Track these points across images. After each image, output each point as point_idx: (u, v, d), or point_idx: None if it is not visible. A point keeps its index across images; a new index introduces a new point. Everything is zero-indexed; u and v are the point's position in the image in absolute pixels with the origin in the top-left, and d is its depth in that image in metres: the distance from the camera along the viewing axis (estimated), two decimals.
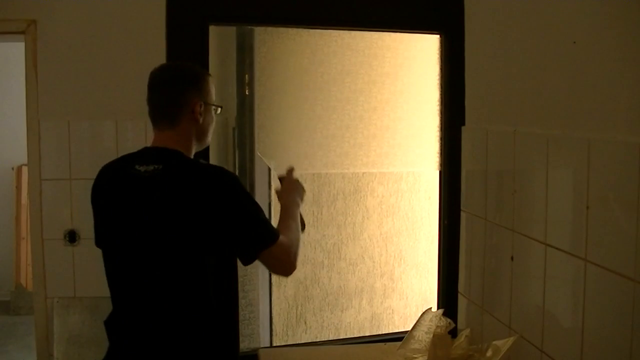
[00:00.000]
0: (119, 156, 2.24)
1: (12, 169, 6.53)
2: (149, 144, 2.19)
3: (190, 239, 2.00)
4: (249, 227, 2.05)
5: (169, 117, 2.14)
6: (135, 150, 2.19)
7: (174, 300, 2.03)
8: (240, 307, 2.91)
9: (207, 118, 2.21)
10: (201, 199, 1.99)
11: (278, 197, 2.45)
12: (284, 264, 2.14)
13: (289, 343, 3.32)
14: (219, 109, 2.29)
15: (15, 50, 3.61)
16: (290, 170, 2.51)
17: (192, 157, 2.18)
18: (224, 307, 2.12)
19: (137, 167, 2.07)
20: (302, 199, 2.46)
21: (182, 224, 1.99)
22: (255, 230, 2.06)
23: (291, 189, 2.45)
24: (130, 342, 2.08)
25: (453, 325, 2.66)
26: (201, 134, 2.21)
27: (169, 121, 2.14)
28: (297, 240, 2.24)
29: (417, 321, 2.70)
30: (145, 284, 2.05)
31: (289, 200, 2.40)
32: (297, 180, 2.50)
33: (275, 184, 2.52)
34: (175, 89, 2.16)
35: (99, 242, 2.19)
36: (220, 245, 2.04)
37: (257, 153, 3.01)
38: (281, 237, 2.11)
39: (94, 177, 2.73)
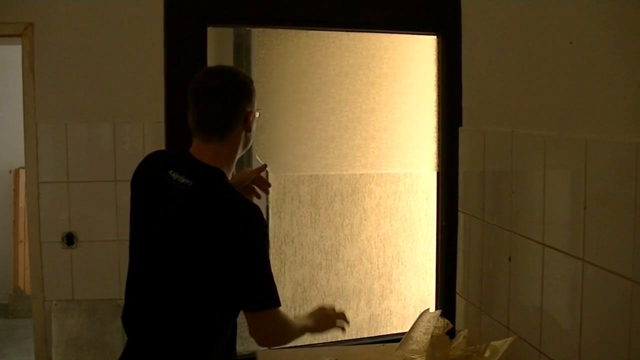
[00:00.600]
0: (163, 150, 2.22)
1: (10, 172, 6.51)
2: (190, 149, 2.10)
3: (199, 264, 1.94)
4: (255, 281, 1.96)
5: (221, 129, 2.03)
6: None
7: (181, 306, 2.00)
8: None
9: (254, 124, 2.13)
10: (219, 232, 1.91)
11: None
12: (269, 333, 2.04)
13: (286, 345, 3.32)
14: (259, 113, 2.21)
15: (12, 53, 3.61)
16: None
17: (234, 163, 2.13)
18: (229, 314, 2.08)
19: (170, 172, 2.01)
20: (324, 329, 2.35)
21: (194, 246, 1.94)
22: (259, 287, 1.97)
23: (323, 318, 2.34)
24: (141, 339, 2.07)
25: (451, 326, 2.67)
26: (247, 141, 2.14)
27: (219, 133, 2.03)
28: (296, 334, 2.16)
29: (415, 322, 2.70)
30: (158, 287, 2.03)
31: (317, 322, 2.30)
32: (331, 313, 2.38)
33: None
34: (231, 99, 2.03)
35: (129, 241, 2.16)
36: (223, 283, 1.96)
37: (256, 156, 3.01)
38: (281, 310, 2.01)
39: (92, 179, 2.75)
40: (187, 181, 1.97)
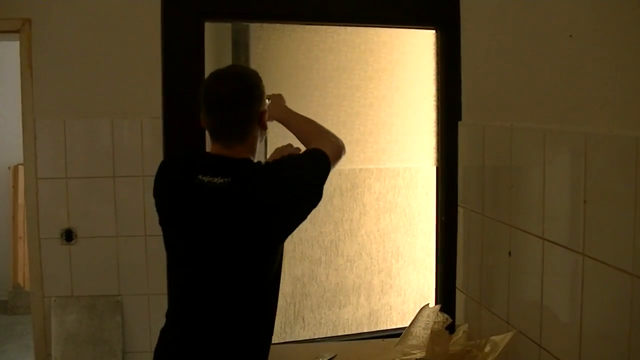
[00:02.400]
0: (179, 155, 2.21)
1: (8, 168, 6.51)
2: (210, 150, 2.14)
3: (264, 244, 2.03)
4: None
5: (240, 134, 2.07)
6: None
7: (236, 304, 2.05)
8: None
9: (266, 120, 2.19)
10: (276, 199, 2.00)
11: (271, 115, 2.41)
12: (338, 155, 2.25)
13: (286, 340, 3.32)
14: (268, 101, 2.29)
15: (10, 49, 3.60)
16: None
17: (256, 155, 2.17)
18: (272, 311, 2.14)
19: (200, 177, 2.01)
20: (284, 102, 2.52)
21: (254, 234, 2.00)
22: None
23: (276, 102, 2.48)
24: (197, 329, 2.07)
25: (451, 320, 2.66)
26: (262, 137, 2.20)
27: (240, 137, 2.07)
28: (322, 127, 2.36)
29: (415, 317, 2.70)
30: (213, 289, 2.05)
31: (279, 109, 2.46)
32: (274, 96, 2.51)
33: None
34: (247, 104, 2.05)
35: (166, 245, 2.16)
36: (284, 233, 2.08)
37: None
38: (323, 144, 2.19)
39: (90, 175, 2.75)
40: (224, 180, 1.99)
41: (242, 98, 2.04)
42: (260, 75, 2.15)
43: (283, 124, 2.44)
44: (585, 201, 1.89)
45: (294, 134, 2.40)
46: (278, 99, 2.52)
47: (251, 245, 2.01)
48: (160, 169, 2.17)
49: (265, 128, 2.15)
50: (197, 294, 2.07)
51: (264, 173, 2.04)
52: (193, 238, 2.05)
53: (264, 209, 1.98)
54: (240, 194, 1.98)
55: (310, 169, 2.10)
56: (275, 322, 2.16)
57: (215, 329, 2.04)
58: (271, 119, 2.39)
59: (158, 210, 2.13)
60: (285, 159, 2.13)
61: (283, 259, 2.14)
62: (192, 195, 2.02)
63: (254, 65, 2.99)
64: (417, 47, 3.12)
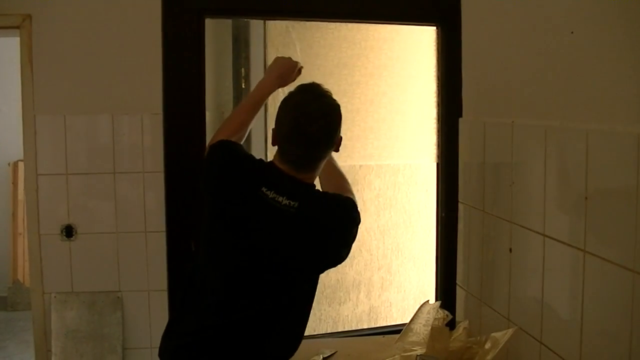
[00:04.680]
0: (244, 152, 2.18)
1: (8, 164, 6.51)
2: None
3: (312, 272, 2.12)
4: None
5: (318, 164, 2.12)
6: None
7: (273, 323, 2.10)
8: None
9: None
10: (328, 237, 2.07)
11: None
12: None
13: None
14: None
15: (10, 45, 3.59)
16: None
17: None
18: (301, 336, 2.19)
19: (264, 189, 2.01)
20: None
21: (312, 259, 2.07)
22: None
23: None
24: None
25: (451, 317, 2.67)
26: None
27: (315, 167, 2.11)
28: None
29: (415, 314, 2.70)
30: (254, 302, 2.07)
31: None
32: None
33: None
34: (331, 143, 2.10)
35: (205, 237, 2.16)
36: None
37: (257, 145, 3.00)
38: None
39: (90, 171, 2.75)
40: (291, 202, 2.00)
41: (330, 136, 2.08)
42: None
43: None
44: (586, 198, 1.88)
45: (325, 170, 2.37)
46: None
47: (298, 270, 2.07)
48: (227, 160, 2.13)
49: (337, 151, 2.18)
50: (230, 296, 2.07)
51: (327, 203, 2.09)
52: (242, 247, 2.05)
53: (320, 240, 2.05)
54: (304, 221, 2.02)
55: (357, 221, 2.14)
56: None
57: (234, 336, 2.06)
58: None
59: (211, 201, 2.13)
60: (340, 198, 2.16)
61: None
62: (255, 206, 2.02)
63: (254, 62, 2.99)
64: (418, 43, 3.12)
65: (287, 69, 2.44)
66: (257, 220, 2.02)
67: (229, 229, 2.07)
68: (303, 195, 2.03)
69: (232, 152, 2.15)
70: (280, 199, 2.00)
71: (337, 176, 2.36)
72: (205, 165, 2.19)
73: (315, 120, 2.02)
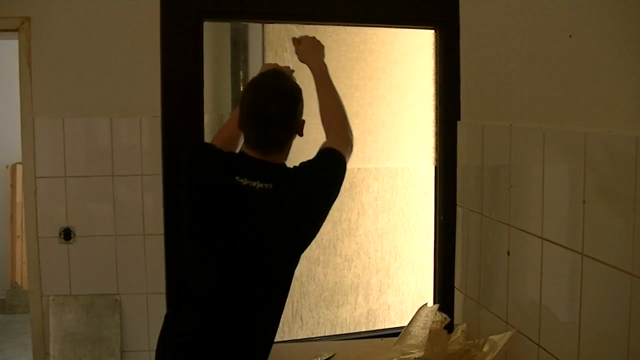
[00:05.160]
0: (213, 148, 2.20)
1: (7, 167, 6.50)
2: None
3: (297, 249, 2.12)
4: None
5: (282, 146, 2.14)
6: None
7: (258, 305, 2.10)
8: None
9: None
10: (311, 210, 2.09)
11: (300, 58, 2.50)
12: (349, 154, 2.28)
13: (285, 339, 3.32)
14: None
15: (9, 48, 3.59)
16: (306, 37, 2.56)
17: None
18: (281, 312, 2.19)
19: (237, 178, 2.03)
20: (324, 57, 2.52)
21: (292, 239, 2.08)
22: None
23: (315, 47, 2.51)
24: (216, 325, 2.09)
25: (449, 320, 2.67)
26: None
27: (280, 149, 2.13)
28: (343, 109, 2.38)
29: (413, 317, 2.70)
30: (240, 286, 2.08)
31: (319, 61, 2.48)
32: (315, 38, 2.54)
33: (290, 46, 2.56)
34: (292, 122, 2.12)
35: (188, 235, 2.17)
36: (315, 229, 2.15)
37: None
38: (338, 141, 2.23)
39: (89, 174, 2.75)
40: (266, 185, 2.02)
41: (289, 117, 2.10)
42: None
43: (314, 79, 2.46)
44: (584, 201, 1.89)
45: (318, 96, 2.41)
46: (316, 45, 2.53)
47: (286, 249, 2.09)
48: (198, 159, 2.16)
49: (301, 135, 2.18)
50: (223, 289, 2.08)
51: (301, 181, 2.09)
52: (227, 237, 2.06)
53: (303, 216, 2.06)
54: (282, 201, 2.03)
55: (337, 176, 2.16)
56: None
57: (234, 328, 2.07)
58: (306, 62, 2.49)
59: (188, 199, 2.15)
60: (315, 165, 2.15)
61: None
62: (231, 196, 2.04)
63: (252, 65, 2.99)
64: (417, 46, 3.12)
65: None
66: (236, 210, 2.04)
67: (212, 224, 2.08)
68: (276, 175, 2.05)
69: (201, 151, 2.20)
70: (254, 183, 2.02)
71: (330, 113, 2.36)
72: (181, 171, 2.22)
73: (274, 100, 2.06)
